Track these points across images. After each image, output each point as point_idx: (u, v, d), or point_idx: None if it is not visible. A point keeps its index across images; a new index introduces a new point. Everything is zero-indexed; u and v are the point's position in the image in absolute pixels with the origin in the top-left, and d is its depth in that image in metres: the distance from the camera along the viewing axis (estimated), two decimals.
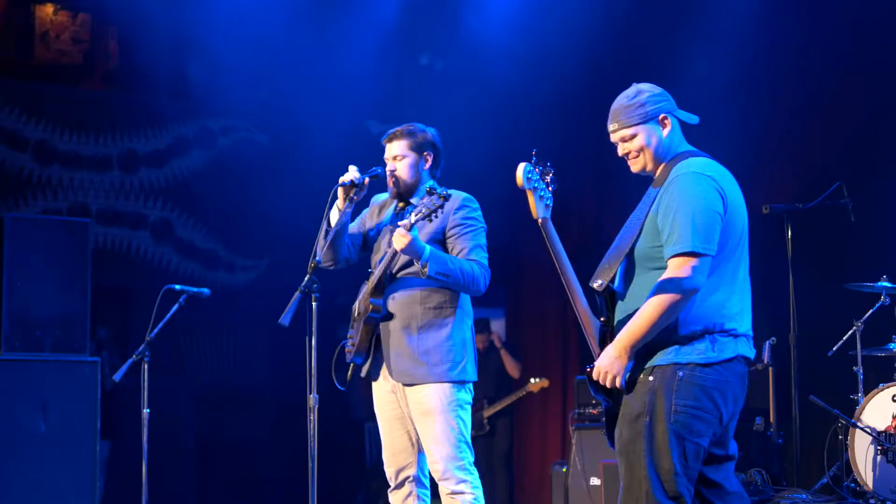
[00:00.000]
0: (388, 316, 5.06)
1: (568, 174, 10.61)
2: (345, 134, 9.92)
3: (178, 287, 6.66)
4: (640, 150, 4.04)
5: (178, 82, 9.90)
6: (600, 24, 9.48)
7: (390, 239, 4.94)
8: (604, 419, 4.05)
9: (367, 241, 5.29)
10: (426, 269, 4.84)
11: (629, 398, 3.88)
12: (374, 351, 5.12)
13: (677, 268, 3.79)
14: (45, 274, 7.39)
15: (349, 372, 5.18)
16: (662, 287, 3.79)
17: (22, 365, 7.15)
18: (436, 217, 4.79)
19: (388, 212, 5.25)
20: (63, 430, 7.17)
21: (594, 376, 3.87)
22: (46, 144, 10.02)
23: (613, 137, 4.09)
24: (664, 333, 3.85)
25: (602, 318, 3.99)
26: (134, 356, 6.41)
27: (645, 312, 3.80)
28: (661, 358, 3.86)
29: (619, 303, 3.99)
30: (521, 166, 3.90)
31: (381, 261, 5.07)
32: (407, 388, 5.05)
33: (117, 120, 10.27)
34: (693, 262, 3.78)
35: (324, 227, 5.00)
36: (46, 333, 7.31)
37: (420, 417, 5.02)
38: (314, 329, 4.67)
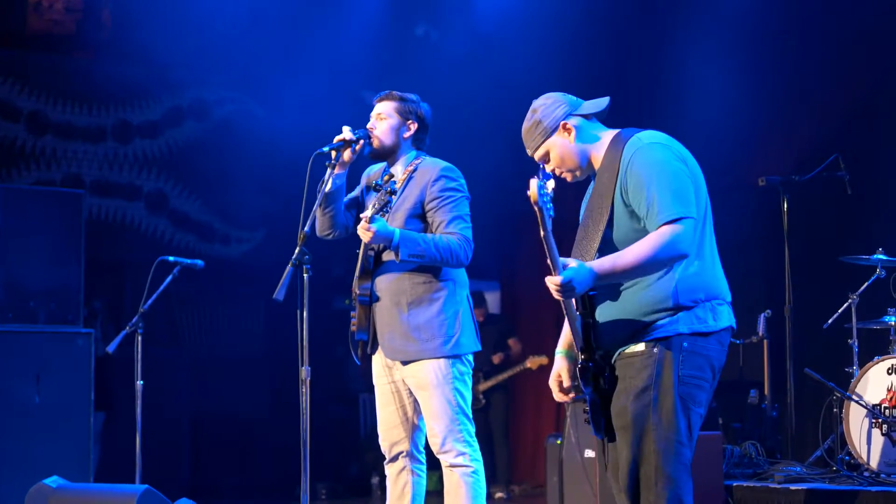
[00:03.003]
0: (378, 298, 5.02)
1: None
2: (340, 105, 9.87)
3: (171, 259, 6.66)
4: (561, 162, 4.00)
5: (172, 52, 9.83)
6: None
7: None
8: (588, 408, 3.98)
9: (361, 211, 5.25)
10: (398, 255, 4.81)
11: (631, 373, 3.83)
12: (373, 328, 5.09)
13: (666, 234, 3.72)
14: (39, 245, 7.37)
15: (360, 348, 5.15)
16: (655, 239, 3.71)
17: (16, 336, 7.14)
18: (387, 211, 4.79)
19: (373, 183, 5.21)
20: (57, 401, 7.17)
21: (556, 283, 3.70)
22: (39, 115, 9.97)
23: (537, 160, 4.05)
24: (665, 302, 3.80)
25: (580, 311, 3.89)
26: (128, 328, 6.41)
27: (631, 255, 3.72)
28: (664, 329, 3.81)
29: (608, 288, 3.88)
30: (535, 183, 3.68)
31: (360, 247, 5.05)
32: (403, 365, 5.03)
33: (111, 90, 10.22)
34: (679, 227, 3.71)
35: (319, 199, 4.96)
36: (40, 305, 7.31)
37: (417, 391, 5.00)
38: (305, 301, 4.65)
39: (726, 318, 3.90)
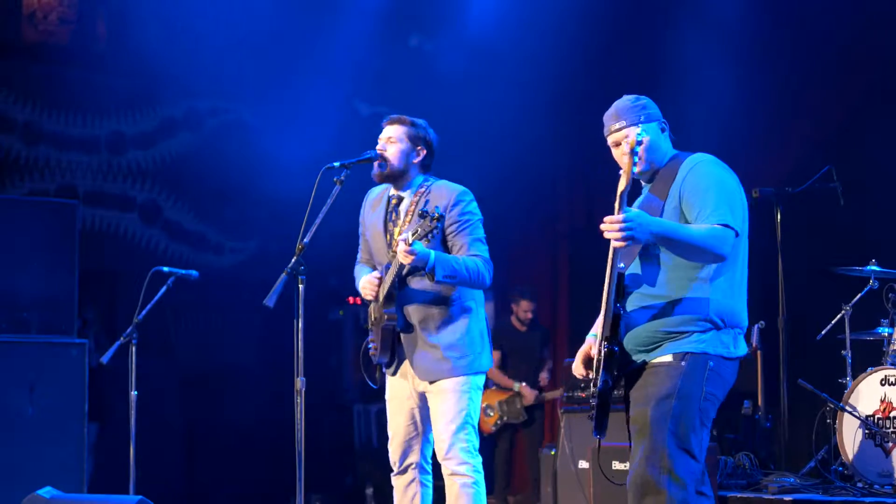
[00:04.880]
0: (405, 322, 5.12)
1: (559, 153, 10.63)
2: (333, 115, 9.89)
3: (166, 269, 6.66)
4: (648, 148, 4.14)
5: (166, 63, 9.83)
6: (594, 6, 9.46)
7: (389, 244, 5.05)
8: (594, 403, 4.06)
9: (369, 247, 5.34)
10: (433, 276, 4.90)
11: (656, 381, 3.99)
12: (395, 350, 5.20)
13: (720, 231, 3.93)
14: (33, 255, 7.35)
15: (377, 372, 5.30)
16: (711, 230, 3.91)
17: (9, 347, 7.12)
18: (432, 237, 4.83)
19: (381, 208, 5.25)
20: (50, 412, 7.15)
21: (618, 219, 3.83)
22: (33, 125, 9.95)
23: (617, 136, 4.19)
24: (698, 316, 3.96)
25: (615, 300, 4.03)
26: (122, 338, 6.41)
27: (691, 230, 3.91)
28: (693, 346, 3.99)
29: (644, 287, 4.06)
30: (634, 131, 3.97)
31: (385, 269, 5.10)
32: (430, 383, 5.13)
33: (105, 101, 10.21)
34: (730, 232, 3.93)
35: (323, 212, 4.98)
36: (34, 315, 7.29)
37: (433, 396, 5.10)
38: (301, 311, 4.68)
39: (743, 347, 4.12)
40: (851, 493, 6.28)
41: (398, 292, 5.10)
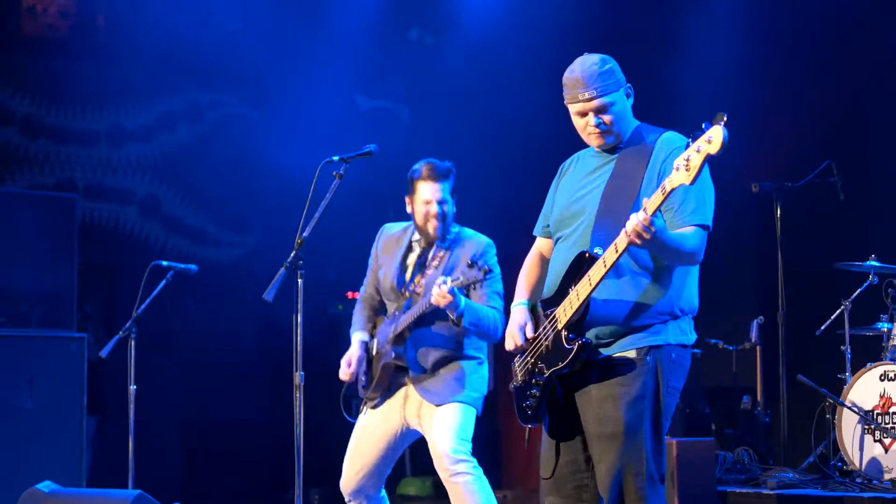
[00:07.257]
0: (415, 362, 5.19)
1: (559, 148, 10.60)
2: (334, 109, 9.87)
3: (165, 263, 6.67)
4: (612, 121, 3.92)
5: (166, 56, 9.83)
6: None
7: (404, 285, 5.12)
8: (536, 393, 3.86)
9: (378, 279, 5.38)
10: (461, 321, 4.96)
11: (622, 380, 3.77)
12: (390, 387, 5.29)
13: (703, 237, 3.80)
14: (32, 249, 7.36)
15: (364, 404, 5.39)
16: (698, 239, 3.76)
17: (8, 341, 7.13)
18: (474, 289, 4.98)
19: (401, 250, 5.31)
20: (50, 406, 7.16)
21: (647, 221, 3.52)
22: (33, 119, 9.94)
23: (585, 107, 3.93)
24: (664, 310, 3.80)
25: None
26: (121, 332, 6.41)
27: (688, 241, 3.73)
28: (657, 338, 3.81)
29: (609, 279, 3.82)
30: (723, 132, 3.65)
31: (405, 309, 5.16)
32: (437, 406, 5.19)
33: (104, 94, 10.20)
34: (704, 235, 3.79)
35: (322, 207, 4.98)
36: (33, 309, 7.30)
37: (433, 416, 5.15)
38: (300, 306, 4.68)
39: (693, 332, 3.94)
40: (850, 488, 6.28)
41: (410, 333, 5.17)
